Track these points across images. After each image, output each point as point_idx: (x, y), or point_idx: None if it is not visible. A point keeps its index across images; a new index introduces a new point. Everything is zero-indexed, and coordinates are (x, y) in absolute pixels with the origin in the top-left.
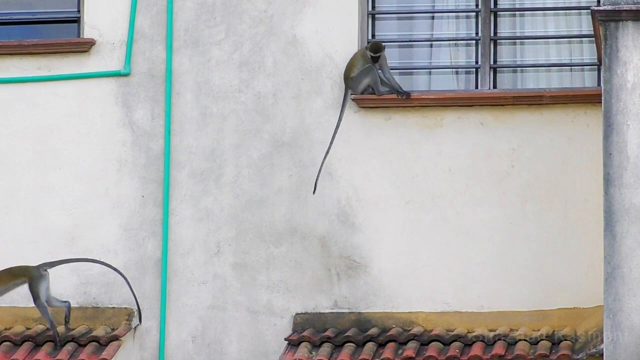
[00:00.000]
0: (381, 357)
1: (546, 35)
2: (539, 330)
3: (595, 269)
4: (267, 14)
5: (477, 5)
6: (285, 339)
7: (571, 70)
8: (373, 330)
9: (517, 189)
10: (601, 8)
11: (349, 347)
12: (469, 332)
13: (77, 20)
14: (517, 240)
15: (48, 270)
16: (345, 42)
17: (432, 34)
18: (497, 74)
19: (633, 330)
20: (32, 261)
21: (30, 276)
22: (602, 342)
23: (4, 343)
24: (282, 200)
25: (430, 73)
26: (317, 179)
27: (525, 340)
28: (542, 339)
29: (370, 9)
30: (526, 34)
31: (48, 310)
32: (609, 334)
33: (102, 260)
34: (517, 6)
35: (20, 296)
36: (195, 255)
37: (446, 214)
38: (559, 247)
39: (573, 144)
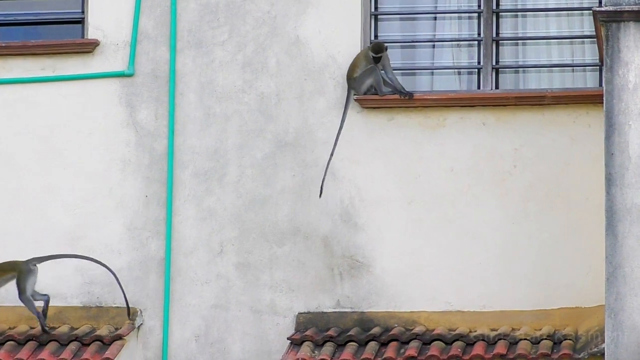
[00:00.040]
0: (383, 357)
1: (548, 36)
2: (540, 329)
3: (596, 269)
4: (270, 15)
5: (479, 6)
6: (288, 338)
7: (573, 70)
8: (375, 330)
9: (519, 188)
10: (603, 9)
11: (351, 347)
12: (470, 332)
13: (81, 21)
14: (519, 240)
15: (37, 265)
16: (348, 43)
17: (435, 35)
18: (500, 75)
19: (634, 329)
20: None
21: (20, 270)
22: (604, 342)
23: (8, 342)
24: (285, 200)
25: (432, 73)
26: (322, 183)
27: (527, 340)
28: (543, 339)
29: (373, 9)
30: (528, 35)
31: (34, 303)
32: (610, 334)
33: (101, 260)
34: (519, 7)
35: None
36: (198, 255)
37: (448, 213)
38: (561, 246)
39: (575, 144)
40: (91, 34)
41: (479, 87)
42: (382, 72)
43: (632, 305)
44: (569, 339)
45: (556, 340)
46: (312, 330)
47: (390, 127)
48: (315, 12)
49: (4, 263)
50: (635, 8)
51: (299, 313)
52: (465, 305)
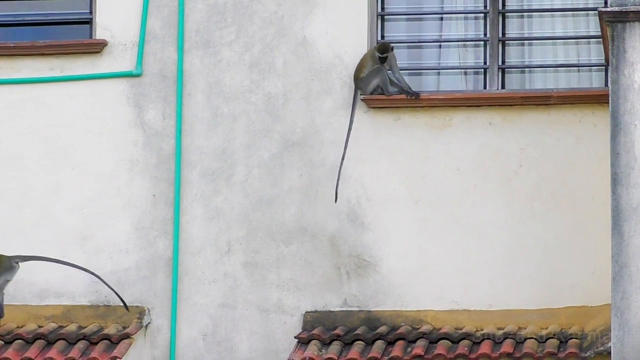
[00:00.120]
0: (390, 355)
1: (554, 36)
2: (547, 328)
3: (602, 268)
4: (278, 15)
5: (485, 7)
6: (295, 337)
7: (579, 70)
8: (382, 329)
9: (525, 188)
10: (608, 9)
11: (358, 345)
12: (477, 331)
13: (89, 22)
14: (525, 239)
15: (19, 263)
16: (355, 43)
17: (441, 35)
18: (506, 75)
19: None
20: None
21: (0, 264)
22: (610, 341)
23: (17, 341)
24: (292, 200)
25: (439, 74)
26: (337, 187)
27: (534, 339)
28: (550, 337)
29: (379, 10)
30: (534, 35)
31: (3, 299)
32: (616, 332)
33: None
34: (525, 7)
35: (32, 294)
36: (206, 254)
37: (455, 213)
38: (567, 246)
39: (581, 144)
40: (99, 34)
41: (485, 87)
42: (389, 72)
43: (638, 304)
44: (576, 338)
45: (563, 339)
46: (319, 329)
47: (396, 127)
48: (322, 13)
49: None
50: None
51: (306, 312)
52: (471, 304)
